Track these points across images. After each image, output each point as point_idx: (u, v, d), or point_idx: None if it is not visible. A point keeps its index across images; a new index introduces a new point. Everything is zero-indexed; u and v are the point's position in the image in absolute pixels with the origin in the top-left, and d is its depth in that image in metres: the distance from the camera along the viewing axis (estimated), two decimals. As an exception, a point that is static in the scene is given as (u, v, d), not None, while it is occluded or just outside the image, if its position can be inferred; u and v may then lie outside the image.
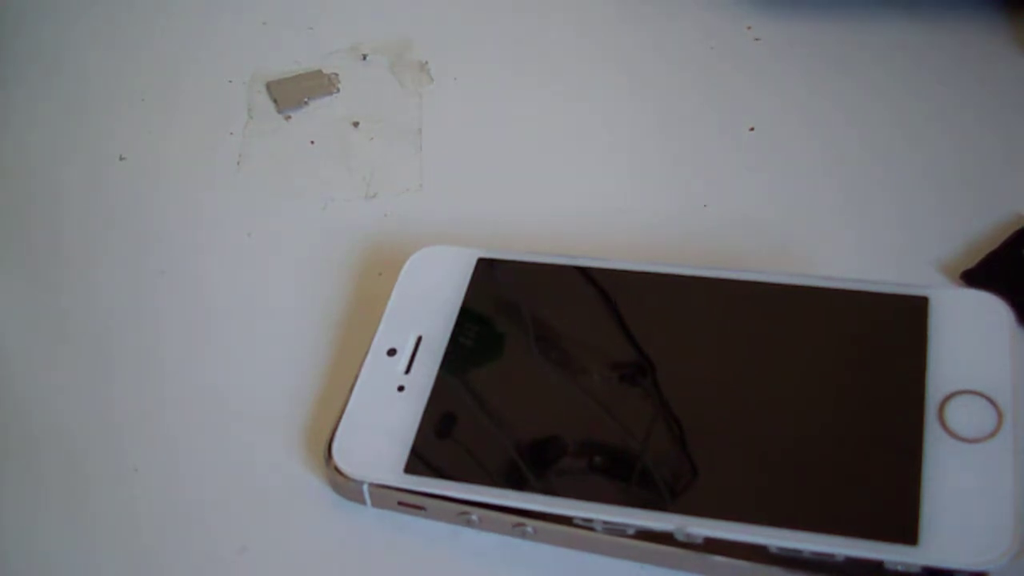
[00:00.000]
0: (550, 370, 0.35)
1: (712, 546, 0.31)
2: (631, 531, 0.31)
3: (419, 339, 0.36)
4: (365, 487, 0.34)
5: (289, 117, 0.48)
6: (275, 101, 0.49)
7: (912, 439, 0.31)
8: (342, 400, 0.36)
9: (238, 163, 0.46)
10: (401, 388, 0.35)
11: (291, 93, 0.49)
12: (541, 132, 0.46)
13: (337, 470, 0.34)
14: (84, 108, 0.49)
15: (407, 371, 0.36)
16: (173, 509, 0.35)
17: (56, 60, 0.52)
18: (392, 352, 0.36)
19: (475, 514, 0.33)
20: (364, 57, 0.51)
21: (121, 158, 0.47)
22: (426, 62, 0.50)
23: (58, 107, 0.50)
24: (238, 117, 0.48)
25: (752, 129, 0.45)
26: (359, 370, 0.36)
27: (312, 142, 0.47)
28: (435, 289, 0.38)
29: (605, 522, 0.31)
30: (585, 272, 0.37)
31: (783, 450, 0.32)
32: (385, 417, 0.35)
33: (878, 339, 0.34)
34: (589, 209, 0.43)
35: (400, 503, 0.34)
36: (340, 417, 0.35)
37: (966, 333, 0.33)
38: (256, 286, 0.42)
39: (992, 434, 0.31)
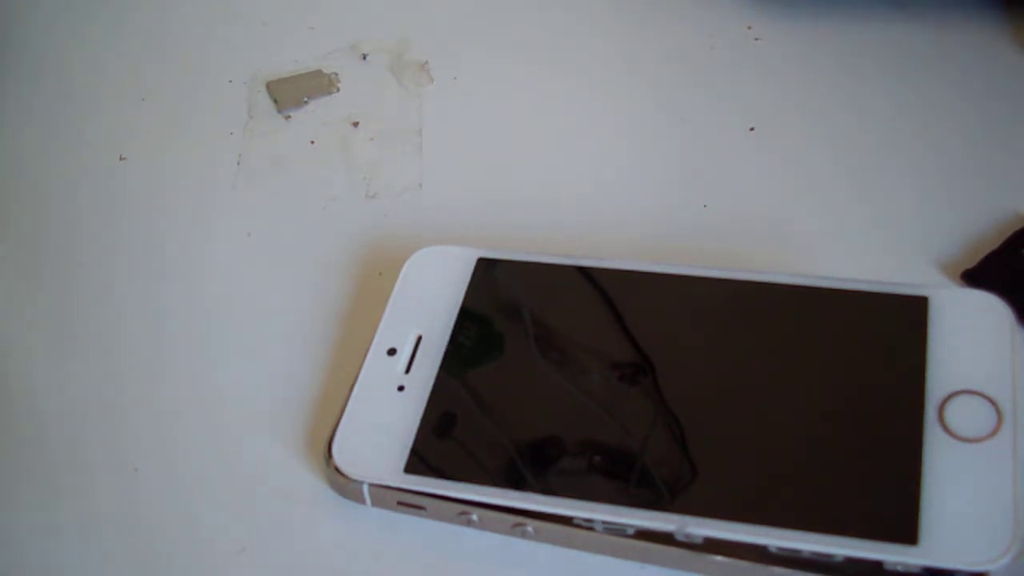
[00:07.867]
0: (550, 370, 0.35)
1: (712, 546, 0.31)
2: (631, 531, 0.31)
3: (419, 339, 0.36)
4: (365, 487, 0.34)
5: (289, 117, 0.48)
6: (275, 101, 0.49)
7: (912, 439, 0.31)
8: (342, 400, 0.36)
9: (238, 163, 0.46)
10: (401, 388, 0.35)
11: (291, 93, 0.49)
12: (541, 132, 0.46)
13: (337, 470, 0.34)
14: (84, 108, 0.49)
15: (407, 371, 0.36)
16: (173, 509, 0.35)
17: (56, 60, 0.52)
18: (392, 352, 0.36)
19: (475, 514, 0.33)
20: (364, 57, 0.51)
21: (121, 158, 0.47)
22: (426, 62, 0.50)
23: (58, 107, 0.50)
24: (238, 117, 0.48)
25: (752, 129, 0.45)
26: (359, 370, 0.36)
27: (312, 142, 0.47)
28: (435, 289, 0.38)
29: (605, 522, 0.31)
30: (585, 272, 0.37)
31: (783, 450, 0.32)
32: (385, 417, 0.35)
33: (878, 339, 0.34)
34: (589, 209, 0.43)
35: (400, 503, 0.34)
36: (340, 417, 0.35)
37: (966, 333, 0.33)
38: (256, 286, 0.42)
39: (992, 434, 0.31)
